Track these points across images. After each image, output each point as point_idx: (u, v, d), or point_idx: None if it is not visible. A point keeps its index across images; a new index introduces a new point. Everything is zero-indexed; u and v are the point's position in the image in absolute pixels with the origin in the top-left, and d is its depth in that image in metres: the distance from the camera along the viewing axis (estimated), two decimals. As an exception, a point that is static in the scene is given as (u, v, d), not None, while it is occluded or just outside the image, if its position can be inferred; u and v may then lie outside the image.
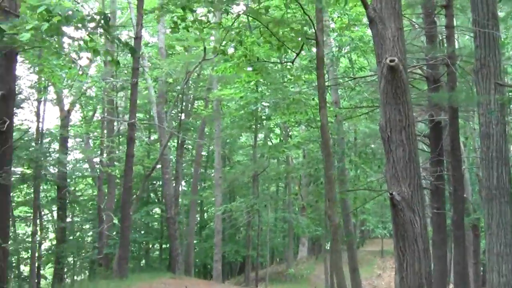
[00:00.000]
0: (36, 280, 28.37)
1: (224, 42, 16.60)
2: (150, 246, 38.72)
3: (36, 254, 28.40)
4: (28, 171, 28.53)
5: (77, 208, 37.59)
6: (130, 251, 29.73)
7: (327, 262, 26.30)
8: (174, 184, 30.46)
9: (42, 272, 35.81)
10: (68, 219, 36.71)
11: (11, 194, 21.72)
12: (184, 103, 33.85)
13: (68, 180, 35.08)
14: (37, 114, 28.32)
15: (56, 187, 33.81)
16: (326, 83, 20.16)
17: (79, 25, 9.85)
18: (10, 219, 29.46)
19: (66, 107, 32.95)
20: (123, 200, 19.87)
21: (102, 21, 9.86)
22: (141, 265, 36.35)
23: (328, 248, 28.60)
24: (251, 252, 29.70)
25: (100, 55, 12.13)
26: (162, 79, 28.47)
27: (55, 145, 34.55)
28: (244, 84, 24.46)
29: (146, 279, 18.99)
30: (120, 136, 32.61)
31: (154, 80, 28.63)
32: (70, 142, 36.01)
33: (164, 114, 27.80)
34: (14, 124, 29.44)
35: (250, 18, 15.50)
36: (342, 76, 22.84)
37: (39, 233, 29.75)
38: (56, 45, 11.85)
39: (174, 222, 27.39)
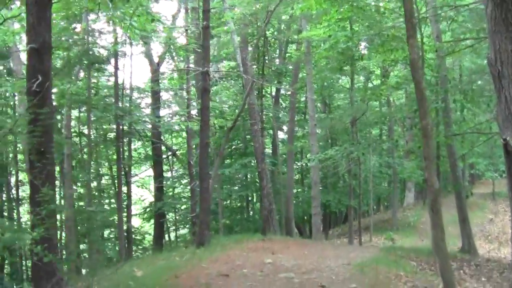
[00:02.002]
0: (125, 240, 26.85)
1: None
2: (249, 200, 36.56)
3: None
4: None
5: (176, 163, 35.85)
6: (220, 212, 28.21)
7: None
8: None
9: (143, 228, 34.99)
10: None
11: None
12: (269, 47, 31.22)
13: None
14: (115, 70, 26.06)
15: (151, 142, 32.58)
16: (424, 14, 17.30)
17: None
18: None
19: (156, 60, 31.39)
20: (200, 159, 17.84)
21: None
22: (236, 225, 34.31)
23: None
24: (353, 202, 27.06)
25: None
26: (245, 23, 25.86)
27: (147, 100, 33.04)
28: (334, 22, 21.62)
29: (226, 246, 16.88)
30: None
31: (235, 24, 26.00)
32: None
33: (248, 61, 25.20)
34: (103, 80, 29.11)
35: None
36: (441, 5, 19.49)
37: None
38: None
39: (265, 175, 25.07)
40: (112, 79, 27.28)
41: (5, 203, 29.03)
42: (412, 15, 10.35)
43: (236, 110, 26.19)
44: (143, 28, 18.66)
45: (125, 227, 27.87)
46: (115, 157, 32.69)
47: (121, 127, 25.46)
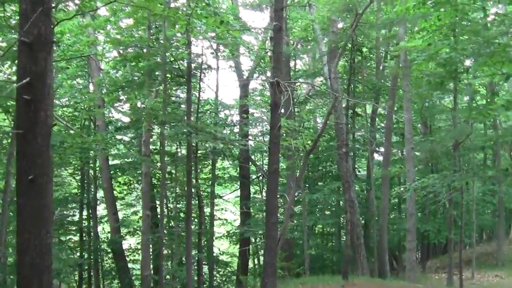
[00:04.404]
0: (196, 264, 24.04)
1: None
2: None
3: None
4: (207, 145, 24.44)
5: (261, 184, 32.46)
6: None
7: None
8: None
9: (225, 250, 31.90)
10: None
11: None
12: (364, 59, 27.28)
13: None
14: (188, 83, 23.07)
15: (237, 162, 29.51)
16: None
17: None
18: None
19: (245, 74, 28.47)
20: (268, 188, 14.11)
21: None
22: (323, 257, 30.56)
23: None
24: (454, 234, 22.77)
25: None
26: (333, 29, 22.11)
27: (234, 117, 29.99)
28: (434, 30, 17.67)
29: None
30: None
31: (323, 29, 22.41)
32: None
33: (337, 73, 21.37)
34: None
35: None
36: None
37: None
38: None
39: (351, 208, 21.05)
40: (205, 94, 24.82)
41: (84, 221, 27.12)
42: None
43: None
44: (212, 30, 15.92)
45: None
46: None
47: (193, 144, 22.34)
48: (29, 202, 7.98)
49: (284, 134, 19.34)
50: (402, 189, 22.81)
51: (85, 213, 27.60)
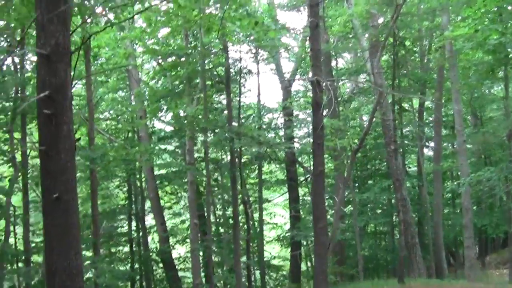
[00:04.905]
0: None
1: None
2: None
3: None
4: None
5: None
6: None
7: None
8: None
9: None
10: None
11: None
12: (406, 52, 26.15)
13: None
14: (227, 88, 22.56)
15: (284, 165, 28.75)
16: None
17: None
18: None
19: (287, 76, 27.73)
20: (314, 192, 13.36)
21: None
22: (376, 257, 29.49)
23: None
24: (514, 228, 21.58)
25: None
26: (373, 23, 21.19)
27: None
28: (480, 16, 16.69)
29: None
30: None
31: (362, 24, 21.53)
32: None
33: (380, 68, 20.40)
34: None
35: None
36: None
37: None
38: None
39: (404, 204, 20.05)
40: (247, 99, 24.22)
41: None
42: None
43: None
44: (247, 32, 15.29)
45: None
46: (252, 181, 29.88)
47: (236, 150, 21.75)
48: (55, 221, 7.43)
49: (329, 135, 18.53)
50: (456, 184, 21.73)
51: (134, 224, 27.25)
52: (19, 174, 16.85)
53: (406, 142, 29.18)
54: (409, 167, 32.54)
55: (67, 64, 7.71)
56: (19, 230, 19.86)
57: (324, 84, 13.36)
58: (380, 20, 23.09)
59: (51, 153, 7.47)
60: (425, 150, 31.22)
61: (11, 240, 19.12)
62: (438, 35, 24.55)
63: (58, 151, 7.46)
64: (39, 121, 7.67)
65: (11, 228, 18.77)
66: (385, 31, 19.38)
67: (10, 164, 17.59)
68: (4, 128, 17.26)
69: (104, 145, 22.77)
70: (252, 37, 20.04)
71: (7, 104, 17.04)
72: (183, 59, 20.09)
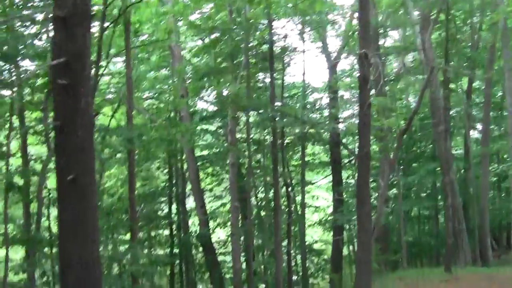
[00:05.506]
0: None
1: None
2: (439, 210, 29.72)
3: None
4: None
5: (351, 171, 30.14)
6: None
7: None
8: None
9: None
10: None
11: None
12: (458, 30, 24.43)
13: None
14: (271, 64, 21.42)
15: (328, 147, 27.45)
16: None
17: None
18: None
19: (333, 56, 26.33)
20: (359, 174, 12.20)
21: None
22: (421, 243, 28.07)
23: None
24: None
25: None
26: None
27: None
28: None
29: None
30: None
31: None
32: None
33: (429, 44, 18.85)
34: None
35: None
36: None
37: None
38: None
39: (451, 191, 18.56)
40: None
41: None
42: None
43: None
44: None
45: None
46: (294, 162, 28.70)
47: (278, 130, 20.62)
48: (71, 206, 6.46)
49: (376, 114, 17.18)
50: (506, 167, 20.21)
51: (174, 206, 26.32)
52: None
53: (452, 123, 27.56)
54: (456, 150, 30.87)
55: (87, 29, 6.73)
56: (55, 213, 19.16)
57: (372, 59, 12.07)
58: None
59: (67, 129, 6.52)
60: (472, 132, 29.53)
61: (46, 223, 18.29)
62: (490, 12, 22.86)
63: (75, 127, 6.51)
64: (54, 93, 6.72)
65: (46, 211, 18.00)
66: (437, 3, 17.92)
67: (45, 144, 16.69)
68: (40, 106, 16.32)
69: (145, 124, 21.89)
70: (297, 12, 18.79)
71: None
72: (226, 37, 19.07)
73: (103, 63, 17.21)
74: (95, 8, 15.75)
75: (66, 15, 6.49)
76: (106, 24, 14.82)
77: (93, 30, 15.89)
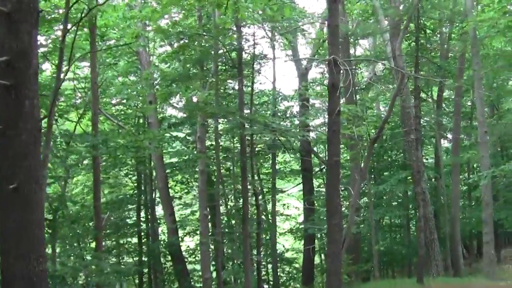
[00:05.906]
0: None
1: None
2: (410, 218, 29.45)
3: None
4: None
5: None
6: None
7: None
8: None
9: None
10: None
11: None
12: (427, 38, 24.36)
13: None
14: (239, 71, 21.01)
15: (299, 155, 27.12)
16: None
17: None
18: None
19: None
20: (328, 183, 11.74)
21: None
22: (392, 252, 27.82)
23: None
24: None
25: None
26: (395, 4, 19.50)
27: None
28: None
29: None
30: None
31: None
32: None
33: (400, 52, 18.54)
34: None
35: None
36: None
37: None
38: None
39: (424, 198, 18.32)
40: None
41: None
42: None
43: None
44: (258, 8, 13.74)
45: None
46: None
47: (247, 138, 20.20)
48: (12, 217, 5.89)
49: (346, 122, 16.82)
50: (477, 176, 20.00)
51: (143, 214, 25.71)
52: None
53: (423, 132, 27.42)
54: (427, 159, 30.74)
55: (33, 26, 6.18)
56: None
57: (342, 66, 11.65)
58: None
59: (9, 133, 5.95)
60: (442, 141, 29.43)
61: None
62: (460, 22, 22.79)
63: (18, 132, 5.96)
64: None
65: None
66: (408, 11, 17.69)
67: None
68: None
69: (112, 131, 21.30)
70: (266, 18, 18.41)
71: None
72: (195, 43, 18.58)
73: (65, 67, 16.63)
74: (60, 11, 15.27)
75: (10, 10, 5.97)
76: (69, 27, 14.21)
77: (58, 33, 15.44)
